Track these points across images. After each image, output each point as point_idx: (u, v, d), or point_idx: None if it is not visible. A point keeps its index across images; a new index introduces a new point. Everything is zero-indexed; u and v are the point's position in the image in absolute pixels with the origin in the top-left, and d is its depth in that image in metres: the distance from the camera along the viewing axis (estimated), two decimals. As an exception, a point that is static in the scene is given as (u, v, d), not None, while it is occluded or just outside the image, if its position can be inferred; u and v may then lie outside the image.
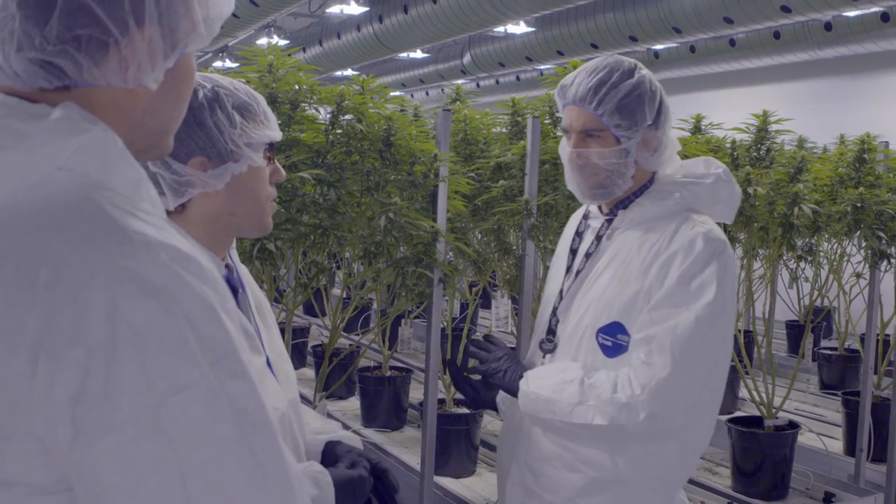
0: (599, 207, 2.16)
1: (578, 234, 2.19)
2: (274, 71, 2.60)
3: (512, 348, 2.22)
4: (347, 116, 2.77)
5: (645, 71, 2.06)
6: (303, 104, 2.68)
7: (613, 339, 1.98)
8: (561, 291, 2.15)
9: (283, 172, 1.58)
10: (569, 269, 2.16)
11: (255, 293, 1.62)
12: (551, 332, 2.14)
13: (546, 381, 1.99)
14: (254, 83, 2.64)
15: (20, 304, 0.81)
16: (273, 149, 1.55)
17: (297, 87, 2.65)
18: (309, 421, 1.68)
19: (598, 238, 2.11)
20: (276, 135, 1.53)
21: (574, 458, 2.00)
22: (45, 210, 0.85)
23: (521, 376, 2.06)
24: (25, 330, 0.80)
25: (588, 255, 2.11)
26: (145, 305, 0.81)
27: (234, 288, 1.51)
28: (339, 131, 2.72)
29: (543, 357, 2.14)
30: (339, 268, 5.48)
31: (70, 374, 0.79)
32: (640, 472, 1.98)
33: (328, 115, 2.75)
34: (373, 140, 2.76)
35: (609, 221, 2.11)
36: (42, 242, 0.83)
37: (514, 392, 2.07)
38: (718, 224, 2.10)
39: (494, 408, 2.31)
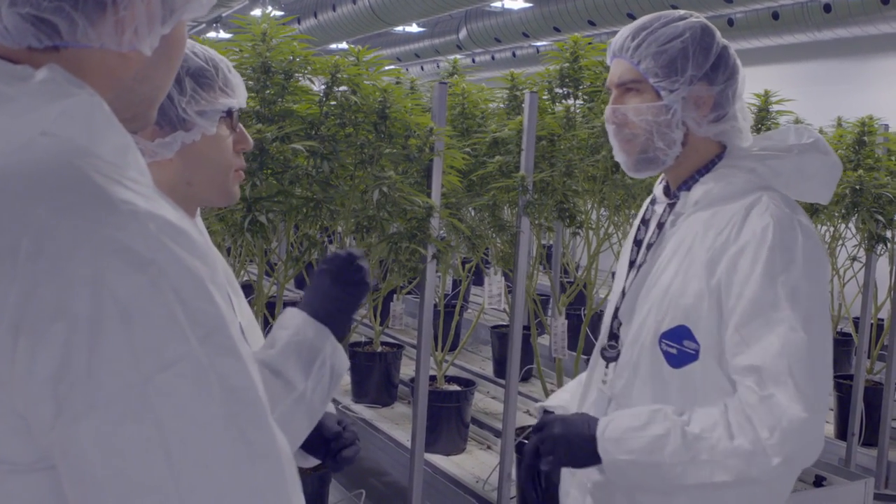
0: (666, 190, 1.85)
1: (644, 223, 1.88)
2: (267, 40, 2.55)
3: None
4: (342, 88, 2.72)
5: (700, 21, 1.75)
6: (297, 74, 2.63)
7: (679, 346, 1.68)
8: (623, 290, 1.84)
9: (251, 141, 1.52)
10: (632, 263, 1.86)
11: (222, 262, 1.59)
12: (614, 336, 1.84)
13: (632, 443, 1.63)
14: (247, 52, 2.59)
15: (0, 276, 0.77)
16: (233, 116, 1.49)
17: (291, 56, 2.60)
18: None
19: (660, 226, 1.80)
20: (236, 102, 1.47)
21: (630, 486, 1.74)
22: (28, 177, 0.81)
23: (593, 449, 1.67)
24: (6, 303, 0.77)
25: (650, 247, 1.80)
26: (132, 278, 0.78)
27: None
28: (334, 103, 2.68)
29: (606, 366, 1.84)
30: (331, 242, 5.46)
31: (52, 349, 0.76)
32: None
33: (322, 87, 2.70)
34: (367, 112, 2.71)
35: (672, 206, 1.79)
36: (24, 211, 0.79)
37: (593, 463, 1.70)
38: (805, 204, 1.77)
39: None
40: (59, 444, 0.77)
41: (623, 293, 1.83)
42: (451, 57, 13.50)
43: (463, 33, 11.68)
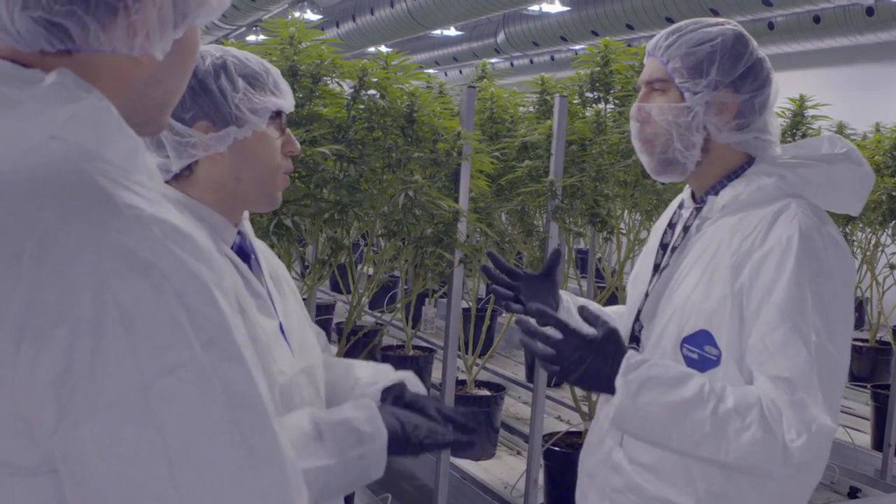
0: (693, 195, 1.84)
1: (671, 226, 1.88)
2: (295, 44, 2.55)
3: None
4: (371, 92, 2.72)
5: (735, 29, 1.74)
6: (325, 78, 2.63)
7: (700, 350, 1.66)
8: (647, 293, 1.83)
9: (298, 145, 1.57)
10: (657, 266, 1.85)
11: (270, 262, 1.64)
12: (635, 339, 1.83)
13: (658, 395, 1.57)
14: (275, 55, 2.60)
15: (4, 279, 0.77)
16: (282, 119, 1.55)
17: (318, 60, 2.61)
18: (359, 375, 1.66)
19: (686, 229, 1.80)
20: (285, 104, 1.52)
21: (651, 495, 1.73)
22: (35, 181, 0.82)
23: (610, 377, 1.58)
24: (9, 306, 0.77)
25: (674, 250, 1.80)
26: (135, 283, 0.78)
27: (247, 254, 1.54)
28: (362, 107, 2.68)
29: None
30: (366, 244, 5.48)
31: (54, 353, 0.76)
32: None
33: (350, 90, 2.70)
34: (395, 116, 2.71)
35: (698, 210, 1.78)
36: (29, 215, 0.79)
37: (603, 390, 1.62)
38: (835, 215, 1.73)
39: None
40: (61, 447, 0.78)
41: (646, 295, 1.82)
42: (491, 60, 13.50)
43: (501, 37, 11.67)
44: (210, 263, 0.84)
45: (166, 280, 0.79)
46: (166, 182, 1.48)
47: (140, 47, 0.91)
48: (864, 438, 4.58)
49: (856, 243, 4.61)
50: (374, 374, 1.64)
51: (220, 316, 0.82)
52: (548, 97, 3.58)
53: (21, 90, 0.85)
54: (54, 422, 0.77)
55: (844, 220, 3.76)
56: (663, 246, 1.85)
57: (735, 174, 1.75)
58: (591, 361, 1.57)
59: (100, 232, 0.78)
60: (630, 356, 1.59)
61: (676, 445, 1.59)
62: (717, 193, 1.75)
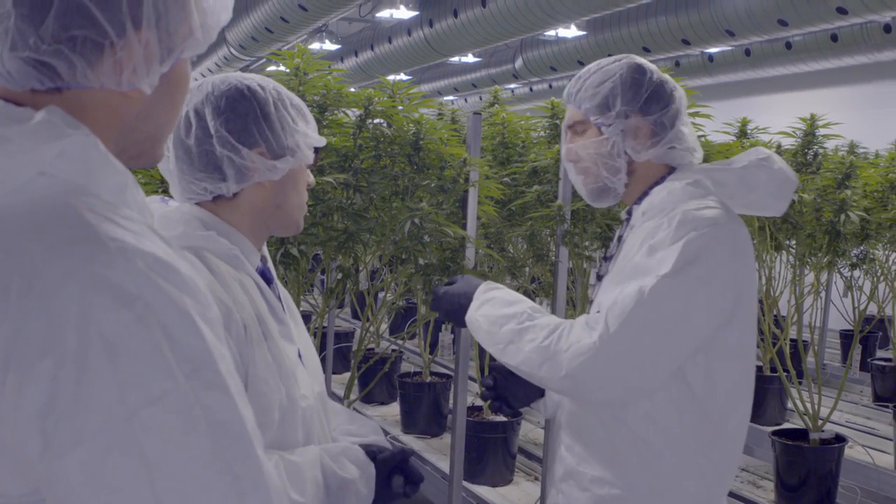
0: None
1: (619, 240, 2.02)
2: (300, 75, 2.58)
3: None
4: (377, 120, 2.74)
5: (632, 62, 1.92)
6: (331, 108, 2.66)
7: None
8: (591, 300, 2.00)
9: (313, 178, 1.62)
10: (599, 277, 2.01)
11: (282, 290, 1.66)
12: None
13: (492, 310, 1.86)
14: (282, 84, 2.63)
15: None
16: (317, 152, 1.60)
17: (325, 91, 2.63)
18: (342, 423, 1.71)
19: (619, 239, 1.96)
20: (322, 140, 1.57)
21: (585, 477, 1.87)
22: (23, 216, 0.84)
23: (469, 299, 1.92)
24: None
25: (609, 259, 1.97)
26: (119, 314, 0.79)
27: (269, 279, 1.57)
28: (368, 135, 2.70)
29: None
30: (380, 271, 5.49)
31: (39, 384, 0.77)
32: (641, 489, 1.84)
33: (356, 119, 2.72)
34: (402, 144, 2.72)
35: (628, 220, 1.96)
36: (16, 249, 0.81)
37: (462, 320, 1.94)
38: (764, 219, 1.91)
39: (522, 404, 2.09)
40: (46, 477, 0.79)
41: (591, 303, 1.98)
42: (510, 86, 13.51)
43: (519, 62, 11.73)
44: (195, 295, 0.85)
45: (150, 311, 0.81)
46: (198, 204, 1.49)
47: (128, 82, 0.93)
48: (887, 459, 4.50)
49: (875, 262, 4.56)
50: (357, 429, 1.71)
51: (204, 346, 0.84)
52: (557, 121, 3.58)
53: (10, 128, 0.87)
54: (39, 452, 0.78)
55: (860, 239, 3.73)
56: (605, 258, 2.01)
57: (657, 183, 1.90)
58: (455, 295, 1.93)
59: (84, 265, 0.80)
60: (486, 284, 1.91)
61: (495, 352, 1.85)
62: (639, 203, 1.91)
